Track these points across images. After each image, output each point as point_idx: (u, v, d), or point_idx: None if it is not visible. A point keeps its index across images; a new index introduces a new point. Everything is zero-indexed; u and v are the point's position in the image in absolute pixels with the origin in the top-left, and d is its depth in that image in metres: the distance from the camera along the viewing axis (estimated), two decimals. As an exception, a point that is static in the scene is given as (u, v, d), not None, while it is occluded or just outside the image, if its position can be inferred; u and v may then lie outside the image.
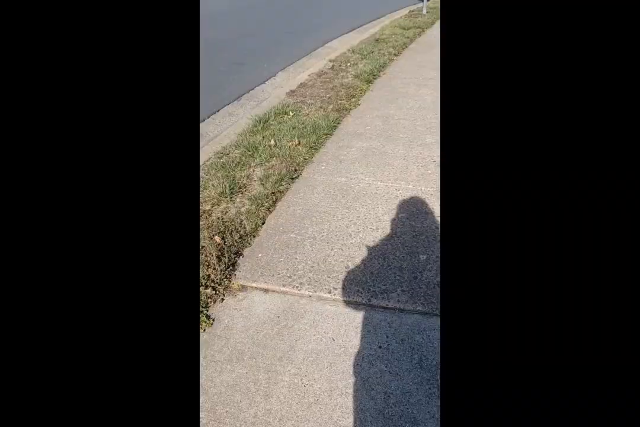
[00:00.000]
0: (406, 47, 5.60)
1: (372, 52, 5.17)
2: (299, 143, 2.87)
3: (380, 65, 4.64)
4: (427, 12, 7.97)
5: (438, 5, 8.74)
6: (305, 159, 2.74)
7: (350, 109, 3.61)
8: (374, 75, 4.37)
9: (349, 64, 4.74)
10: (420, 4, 8.38)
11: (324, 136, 3.04)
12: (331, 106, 3.59)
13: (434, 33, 6.55)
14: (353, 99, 3.77)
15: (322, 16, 8.41)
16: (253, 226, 2.06)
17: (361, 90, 4.01)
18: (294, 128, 3.10)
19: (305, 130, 3.06)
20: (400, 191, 2.39)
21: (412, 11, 8.36)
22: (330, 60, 4.89)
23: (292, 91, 4.08)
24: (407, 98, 3.86)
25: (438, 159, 2.74)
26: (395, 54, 5.15)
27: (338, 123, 3.32)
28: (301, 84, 4.29)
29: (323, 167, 2.69)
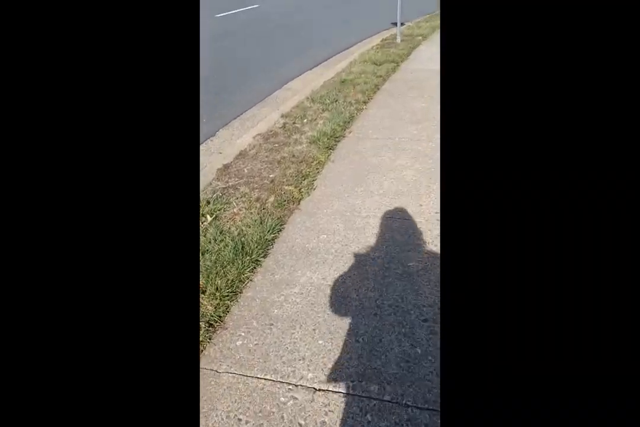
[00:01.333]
0: (378, 89, 4.61)
1: (336, 100, 4.16)
2: (204, 291, 1.78)
3: (345, 121, 3.62)
4: (401, 40, 7.08)
5: (413, 31, 7.87)
6: (210, 323, 1.65)
7: (300, 199, 2.55)
8: (336, 137, 3.34)
9: (305, 121, 3.71)
10: (394, 29, 7.50)
11: (252, 264, 1.97)
12: (273, 197, 2.53)
13: (411, 67, 5.61)
14: (305, 181, 2.72)
15: (286, 49, 7.48)
16: None
17: (318, 163, 2.97)
18: (205, 252, 2.02)
19: (222, 255, 1.98)
20: (371, 415, 1.31)
21: (385, 39, 7.46)
22: (282, 115, 3.86)
23: (226, 167, 3.03)
24: (379, 174, 2.82)
25: (429, 314, 1.67)
26: (364, 101, 4.15)
27: (279, 231, 2.25)
28: (241, 152, 3.24)
29: (239, 343, 1.60)
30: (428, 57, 6.06)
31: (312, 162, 2.96)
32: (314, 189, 2.68)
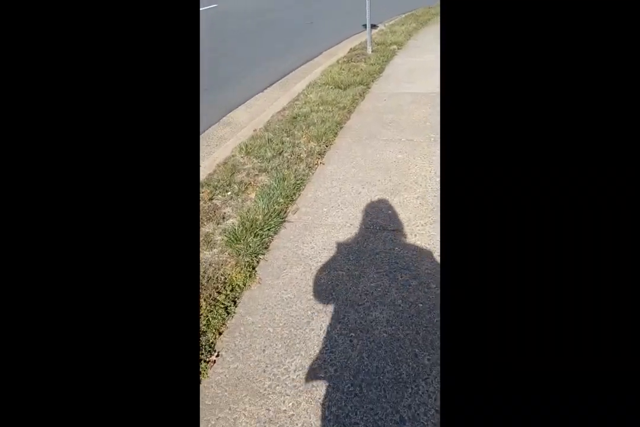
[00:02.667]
0: (341, 127, 3.45)
1: (281, 151, 2.99)
2: None
3: (289, 194, 2.46)
4: (372, 51, 5.91)
5: (386, 38, 6.68)
6: None
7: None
8: (270, 227, 2.19)
9: (229, 193, 2.53)
10: (364, 35, 6.30)
11: None
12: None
13: (384, 90, 4.45)
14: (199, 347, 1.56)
15: (239, 61, 6.28)
16: None
17: (232, 291, 1.81)
18: None
19: None
20: None
21: (354, 49, 6.27)
22: (201, 184, 2.68)
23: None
24: (330, 316, 1.67)
25: None
26: (320, 153, 2.99)
27: None
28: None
29: None
30: (405, 73, 4.92)
31: (220, 292, 1.79)
32: (213, 361, 1.53)
